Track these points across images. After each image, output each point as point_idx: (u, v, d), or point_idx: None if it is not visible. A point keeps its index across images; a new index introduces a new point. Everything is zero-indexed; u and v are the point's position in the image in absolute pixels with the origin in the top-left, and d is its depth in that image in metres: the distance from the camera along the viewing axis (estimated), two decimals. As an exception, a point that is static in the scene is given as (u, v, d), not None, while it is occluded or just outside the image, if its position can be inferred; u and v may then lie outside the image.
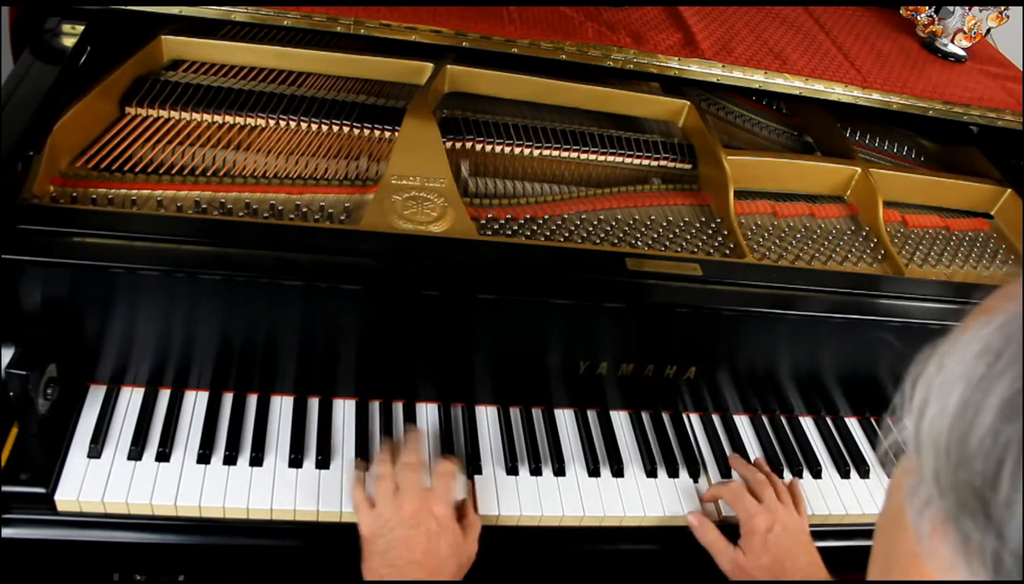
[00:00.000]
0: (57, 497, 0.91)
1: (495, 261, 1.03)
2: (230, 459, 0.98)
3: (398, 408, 1.09)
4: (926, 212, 1.42)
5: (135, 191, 1.02)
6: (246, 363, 1.04)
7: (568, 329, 1.06)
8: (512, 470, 1.05)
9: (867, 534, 1.02)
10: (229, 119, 1.16)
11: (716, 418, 1.19)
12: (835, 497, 1.12)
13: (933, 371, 0.43)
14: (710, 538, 1.02)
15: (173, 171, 1.07)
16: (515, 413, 1.12)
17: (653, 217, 1.21)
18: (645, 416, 1.16)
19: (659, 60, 1.32)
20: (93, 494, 0.92)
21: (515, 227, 1.12)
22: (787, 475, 1.14)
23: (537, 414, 1.13)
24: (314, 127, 1.19)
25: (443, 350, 1.07)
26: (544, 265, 1.05)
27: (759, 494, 1.04)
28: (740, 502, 1.03)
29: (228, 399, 1.05)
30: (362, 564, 0.89)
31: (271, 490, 0.97)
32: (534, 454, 1.07)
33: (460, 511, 0.96)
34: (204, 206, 1.02)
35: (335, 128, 1.20)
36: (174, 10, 1.16)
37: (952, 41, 1.62)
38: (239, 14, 1.17)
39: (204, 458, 0.98)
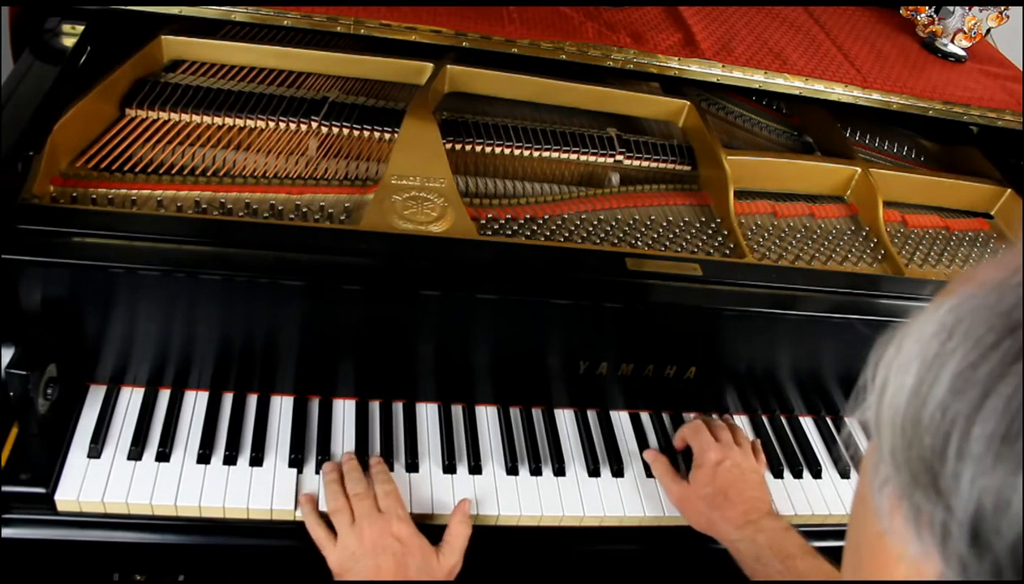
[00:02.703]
0: (57, 497, 0.91)
1: (495, 261, 1.03)
2: (230, 459, 0.98)
3: (398, 408, 1.09)
4: (926, 212, 1.42)
5: (135, 191, 1.02)
6: (246, 363, 1.04)
7: (568, 329, 1.06)
8: (512, 470, 1.05)
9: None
10: (229, 121, 1.16)
11: (716, 418, 1.19)
12: (835, 497, 1.12)
13: (892, 353, 0.45)
14: (660, 471, 1.05)
15: (173, 171, 1.07)
16: (515, 413, 1.12)
17: (653, 217, 1.21)
18: (645, 416, 1.16)
19: (659, 60, 1.32)
20: (93, 494, 0.92)
21: (515, 227, 1.12)
22: (787, 475, 1.14)
23: (537, 414, 1.13)
24: (314, 127, 1.19)
25: (443, 350, 1.07)
26: (544, 265, 1.05)
27: (717, 435, 1.06)
28: (697, 436, 1.06)
29: (228, 399, 1.05)
30: None
31: (271, 490, 0.97)
32: (534, 454, 1.07)
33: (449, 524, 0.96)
34: (204, 206, 1.02)
35: (335, 129, 1.20)
36: (174, 10, 1.16)
37: (952, 41, 1.62)
38: (239, 14, 1.17)
39: (204, 458, 0.98)
